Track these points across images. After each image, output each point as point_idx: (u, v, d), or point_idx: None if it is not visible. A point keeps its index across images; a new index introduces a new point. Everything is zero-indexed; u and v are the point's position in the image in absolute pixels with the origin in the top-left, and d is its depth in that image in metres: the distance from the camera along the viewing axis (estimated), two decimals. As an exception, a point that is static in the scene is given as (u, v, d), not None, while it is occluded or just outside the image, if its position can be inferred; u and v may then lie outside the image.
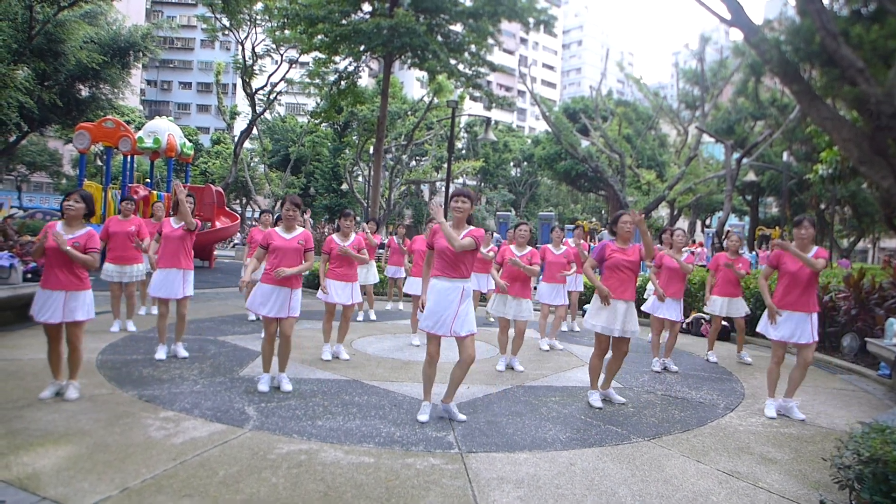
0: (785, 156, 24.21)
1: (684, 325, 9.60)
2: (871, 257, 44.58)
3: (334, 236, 6.78)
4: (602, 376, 5.61)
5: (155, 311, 9.06)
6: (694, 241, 28.02)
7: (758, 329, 5.65)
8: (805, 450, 4.57)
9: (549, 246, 8.12)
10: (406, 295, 10.41)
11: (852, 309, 8.45)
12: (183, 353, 6.43)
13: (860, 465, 2.99)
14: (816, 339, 5.31)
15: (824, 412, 5.62)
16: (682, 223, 40.98)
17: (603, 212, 45.86)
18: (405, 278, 9.87)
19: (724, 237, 14.08)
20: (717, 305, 7.80)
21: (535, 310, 8.29)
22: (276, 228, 5.53)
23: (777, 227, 22.64)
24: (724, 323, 9.67)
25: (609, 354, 5.51)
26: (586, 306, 10.84)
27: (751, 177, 25.04)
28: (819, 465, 4.16)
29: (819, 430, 5.08)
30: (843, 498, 3.41)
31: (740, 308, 7.81)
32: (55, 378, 4.84)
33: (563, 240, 8.97)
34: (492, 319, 9.63)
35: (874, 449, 2.93)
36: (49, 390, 4.80)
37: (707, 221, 41.24)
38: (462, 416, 4.77)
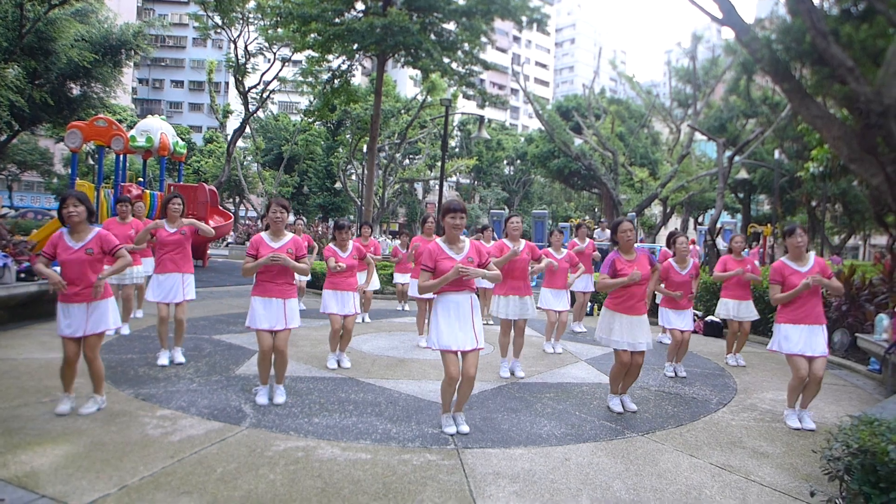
0: (776, 154, 24.36)
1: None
2: (862, 254, 44.92)
3: (333, 246, 6.55)
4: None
5: (140, 314, 8.84)
6: (687, 239, 28.10)
7: (771, 348, 5.27)
8: (796, 444, 4.63)
9: (550, 250, 7.98)
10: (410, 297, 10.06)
11: (843, 305, 8.54)
12: (181, 358, 6.24)
13: (849, 456, 3.04)
14: (828, 352, 5.08)
15: (815, 407, 5.66)
16: (675, 221, 41.18)
17: (596, 209, 45.98)
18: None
19: (716, 234, 14.11)
20: (729, 308, 7.58)
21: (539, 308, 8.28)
22: (263, 235, 5.06)
23: (769, 225, 22.77)
24: (717, 320, 9.72)
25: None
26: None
27: (743, 174, 25.17)
28: (810, 458, 4.22)
29: (810, 424, 5.14)
30: (833, 489, 3.47)
31: (750, 311, 7.58)
32: (67, 392, 4.54)
33: (570, 242, 8.88)
34: (490, 322, 9.56)
35: (863, 441, 2.98)
36: (65, 405, 4.48)
37: (699, 219, 41.44)
38: (466, 429, 4.49)
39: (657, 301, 7.44)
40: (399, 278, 11.21)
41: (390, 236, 33.56)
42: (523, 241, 6.48)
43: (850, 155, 7.65)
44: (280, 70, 27.71)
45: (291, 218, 5.70)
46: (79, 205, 4.44)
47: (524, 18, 17.68)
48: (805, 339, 5.00)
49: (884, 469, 2.86)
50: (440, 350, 4.36)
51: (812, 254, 5.26)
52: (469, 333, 4.36)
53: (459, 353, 4.37)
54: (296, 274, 5.16)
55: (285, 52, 26.06)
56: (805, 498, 3.57)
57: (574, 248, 9.03)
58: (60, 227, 4.57)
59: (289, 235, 5.12)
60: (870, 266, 12.35)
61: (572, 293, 9.64)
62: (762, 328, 9.21)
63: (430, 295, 6.32)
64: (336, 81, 19.50)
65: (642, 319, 5.18)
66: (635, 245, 5.36)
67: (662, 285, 6.73)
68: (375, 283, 10.26)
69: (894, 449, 2.85)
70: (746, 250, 7.79)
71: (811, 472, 4.00)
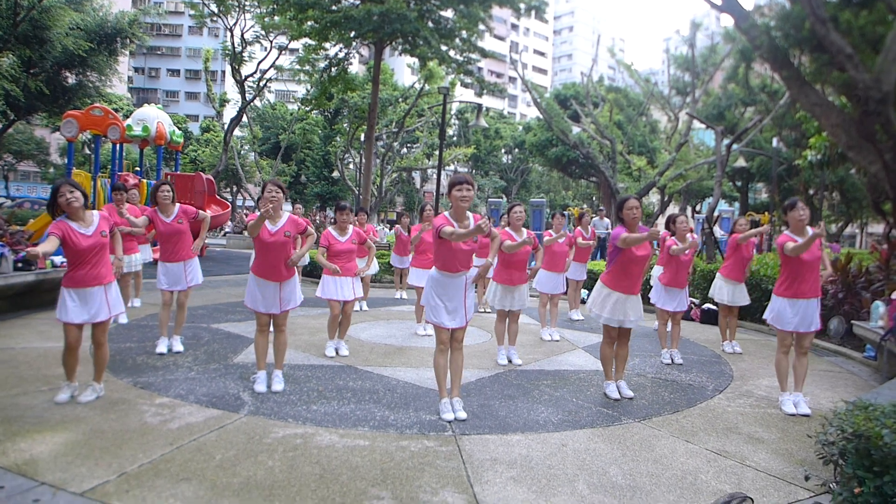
0: (774, 142, 24.28)
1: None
2: (859, 242, 44.94)
3: (331, 230, 6.51)
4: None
5: (137, 303, 8.88)
6: (687, 218, 28.05)
7: (766, 317, 5.35)
8: (791, 430, 4.66)
9: (552, 232, 8.00)
10: (409, 285, 9.96)
11: (839, 293, 8.56)
12: (179, 346, 6.22)
13: (844, 441, 3.07)
14: (820, 326, 5.17)
15: (811, 393, 5.70)
16: (673, 209, 41.19)
17: (594, 198, 45.93)
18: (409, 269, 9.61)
19: (713, 223, 14.11)
20: (724, 292, 7.53)
21: (532, 296, 8.27)
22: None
23: (766, 213, 22.76)
24: (715, 308, 9.73)
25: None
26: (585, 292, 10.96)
27: (740, 163, 25.12)
28: (805, 443, 4.25)
29: (805, 410, 5.18)
30: (827, 474, 3.51)
31: (744, 296, 7.56)
32: (70, 380, 4.55)
33: (576, 231, 8.86)
34: (489, 310, 9.55)
35: (857, 425, 3.01)
36: (65, 393, 4.49)
37: (697, 207, 41.42)
38: (463, 415, 4.53)
39: (651, 283, 7.46)
40: (396, 261, 11.18)
41: (388, 225, 33.51)
42: (525, 231, 6.45)
43: (848, 142, 7.65)
44: (277, 58, 27.55)
45: (289, 206, 5.61)
46: (75, 190, 4.39)
47: (522, 6, 17.58)
48: (801, 315, 5.07)
49: (878, 453, 2.88)
50: (433, 324, 4.55)
51: (809, 228, 5.25)
52: (461, 312, 4.57)
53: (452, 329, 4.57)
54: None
55: (282, 40, 25.90)
56: (800, 482, 3.60)
57: (583, 238, 9.01)
58: (58, 217, 4.44)
59: (285, 216, 5.08)
60: (866, 254, 12.37)
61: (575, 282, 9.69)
62: (759, 315, 9.23)
63: (421, 282, 6.30)
64: (333, 70, 19.35)
65: (636, 298, 5.24)
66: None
67: (666, 267, 6.76)
68: (374, 268, 10.22)
69: (888, 433, 2.87)
70: None
71: (806, 457, 4.03)
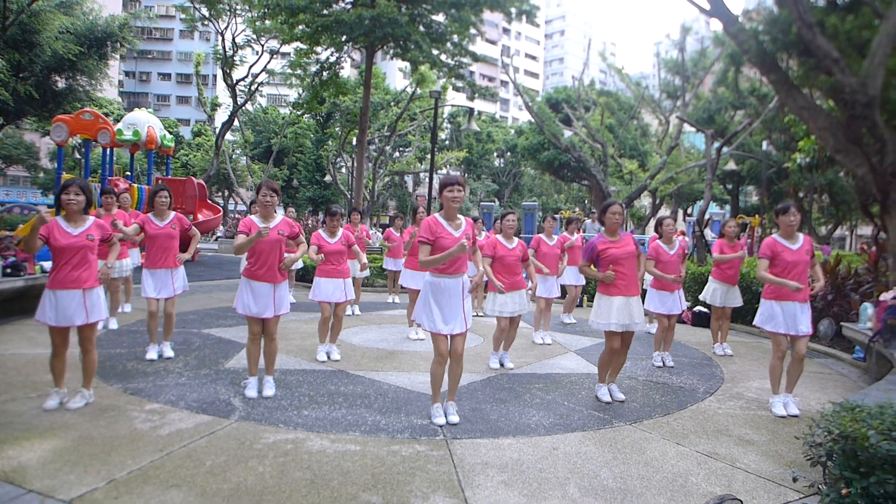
0: (764, 145, 24.49)
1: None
2: (849, 244, 45.29)
3: (321, 232, 6.50)
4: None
5: (128, 308, 8.81)
6: (674, 222, 28.14)
7: (756, 323, 5.37)
8: (781, 431, 4.69)
9: (542, 236, 8.02)
10: (402, 288, 9.53)
11: (829, 294, 8.63)
12: (169, 352, 6.20)
13: (831, 442, 3.09)
14: (811, 330, 5.15)
15: (801, 395, 5.74)
16: (664, 212, 41.33)
17: (586, 201, 46.06)
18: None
19: (704, 225, 14.18)
20: (717, 295, 7.58)
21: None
22: (253, 218, 5.04)
23: (756, 216, 22.91)
24: (706, 311, 9.78)
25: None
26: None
27: (731, 166, 25.30)
28: (794, 445, 4.28)
29: (795, 412, 5.21)
30: (815, 475, 3.53)
31: (736, 298, 7.61)
32: (58, 387, 4.50)
33: (561, 235, 8.90)
34: (481, 314, 9.54)
35: (844, 426, 3.03)
36: (54, 400, 4.44)
37: (688, 210, 41.62)
38: (456, 419, 4.51)
39: (645, 287, 7.45)
40: (390, 265, 11.17)
41: (380, 229, 33.47)
42: (516, 240, 6.45)
43: (835, 146, 7.71)
44: (268, 62, 27.48)
45: (281, 210, 5.64)
46: (80, 193, 4.44)
47: (513, 10, 17.61)
48: (791, 318, 5.06)
49: (864, 454, 2.90)
50: (431, 332, 4.43)
51: (801, 235, 5.27)
52: (459, 317, 4.43)
53: (449, 335, 4.43)
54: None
55: (273, 44, 25.80)
56: (789, 484, 3.62)
57: (566, 242, 9.04)
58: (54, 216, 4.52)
59: (279, 217, 5.12)
60: (855, 256, 12.48)
61: (563, 286, 9.67)
62: (750, 318, 9.29)
63: (418, 284, 6.29)
64: (325, 74, 19.35)
65: (636, 300, 5.19)
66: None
67: (654, 267, 6.75)
68: (365, 272, 10.20)
69: (874, 434, 2.90)
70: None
71: (795, 458, 4.05)
